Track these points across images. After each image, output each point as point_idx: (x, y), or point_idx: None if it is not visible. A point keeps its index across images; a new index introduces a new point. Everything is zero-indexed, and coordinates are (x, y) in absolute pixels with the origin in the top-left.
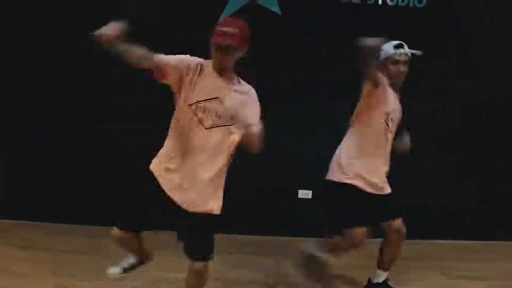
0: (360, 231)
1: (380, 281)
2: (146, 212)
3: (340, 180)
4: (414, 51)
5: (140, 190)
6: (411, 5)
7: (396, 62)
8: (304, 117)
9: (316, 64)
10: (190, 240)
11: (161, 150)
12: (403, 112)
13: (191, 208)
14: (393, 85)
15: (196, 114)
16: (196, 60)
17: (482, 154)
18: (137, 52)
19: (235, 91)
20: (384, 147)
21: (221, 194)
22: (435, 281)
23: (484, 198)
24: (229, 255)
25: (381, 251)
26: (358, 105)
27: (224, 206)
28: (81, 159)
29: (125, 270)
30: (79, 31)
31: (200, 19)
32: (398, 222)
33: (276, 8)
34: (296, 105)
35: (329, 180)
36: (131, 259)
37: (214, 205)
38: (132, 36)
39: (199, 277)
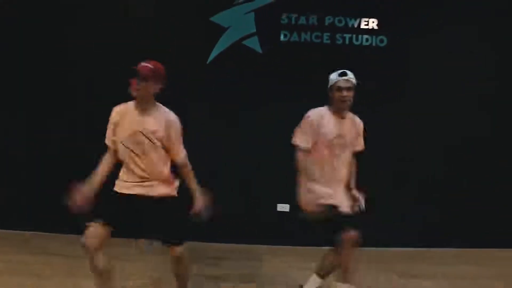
0: None
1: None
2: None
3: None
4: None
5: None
6: (374, 44)
7: (339, 88)
8: (283, 135)
9: (299, 88)
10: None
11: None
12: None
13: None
14: (339, 110)
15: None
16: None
17: (436, 179)
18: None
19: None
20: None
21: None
22: (388, 279)
23: (440, 210)
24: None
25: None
26: None
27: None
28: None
29: None
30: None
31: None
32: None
33: (258, 48)
34: (275, 124)
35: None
36: None
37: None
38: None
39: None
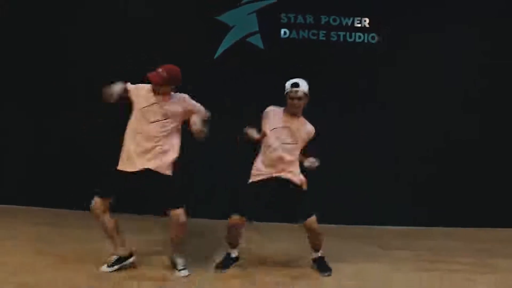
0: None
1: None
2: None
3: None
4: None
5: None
6: (365, 41)
7: (291, 97)
8: None
9: None
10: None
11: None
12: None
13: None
14: (292, 113)
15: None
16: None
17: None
18: None
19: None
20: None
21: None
22: (372, 252)
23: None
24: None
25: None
26: None
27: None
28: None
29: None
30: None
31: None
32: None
33: (260, 44)
34: None
35: None
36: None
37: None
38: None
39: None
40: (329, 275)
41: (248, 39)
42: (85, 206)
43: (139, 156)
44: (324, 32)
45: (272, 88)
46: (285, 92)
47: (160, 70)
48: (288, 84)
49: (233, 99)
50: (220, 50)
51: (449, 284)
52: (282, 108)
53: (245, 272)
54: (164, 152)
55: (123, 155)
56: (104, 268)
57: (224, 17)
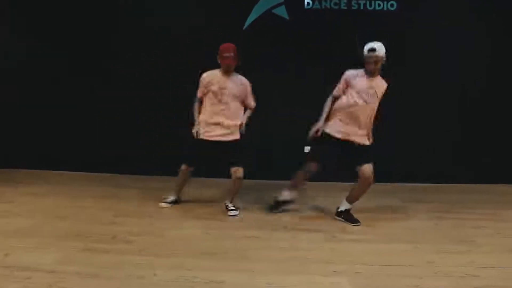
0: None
1: (344, 209)
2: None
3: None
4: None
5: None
6: (385, 8)
7: (367, 62)
8: (309, 87)
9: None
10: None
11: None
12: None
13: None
14: (369, 73)
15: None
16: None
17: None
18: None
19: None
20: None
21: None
22: (392, 203)
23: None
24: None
25: (351, 190)
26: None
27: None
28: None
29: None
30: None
31: (228, 24)
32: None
33: (285, 15)
34: (305, 84)
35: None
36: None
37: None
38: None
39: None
40: (360, 225)
41: (273, 10)
42: None
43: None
44: (345, 1)
45: (298, 56)
46: (363, 56)
47: (227, 54)
48: (365, 48)
49: (261, 66)
50: (248, 21)
51: (456, 230)
52: (361, 70)
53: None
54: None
55: None
56: (163, 204)
57: None
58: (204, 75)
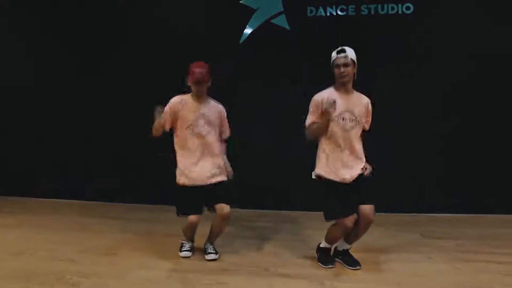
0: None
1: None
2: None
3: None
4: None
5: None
6: (400, 12)
7: (336, 65)
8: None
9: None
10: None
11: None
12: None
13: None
14: (342, 85)
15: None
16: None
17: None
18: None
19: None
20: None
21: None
22: (413, 240)
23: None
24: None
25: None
26: None
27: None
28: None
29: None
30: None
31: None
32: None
33: (286, 25)
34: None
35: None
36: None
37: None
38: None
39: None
40: (360, 268)
41: (272, 21)
42: None
43: None
44: (353, 7)
45: (302, 70)
46: (331, 62)
47: (198, 69)
48: (333, 52)
49: (262, 83)
50: (245, 34)
51: (483, 279)
52: (329, 89)
53: None
54: None
55: None
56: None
57: (248, 0)
58: (173, 100)
